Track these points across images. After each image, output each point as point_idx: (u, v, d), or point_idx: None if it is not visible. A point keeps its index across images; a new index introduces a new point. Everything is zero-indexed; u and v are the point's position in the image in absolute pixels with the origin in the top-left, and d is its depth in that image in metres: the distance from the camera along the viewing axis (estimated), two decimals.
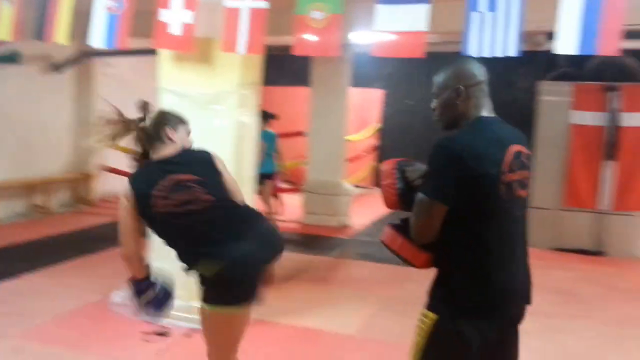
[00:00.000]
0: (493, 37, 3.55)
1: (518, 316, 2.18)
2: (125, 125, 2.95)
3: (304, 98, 9.37)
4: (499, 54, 3.53)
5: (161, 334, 4.22)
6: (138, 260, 2.68)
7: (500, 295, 2.05)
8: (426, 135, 11.18)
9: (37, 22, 4.46)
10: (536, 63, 7.74)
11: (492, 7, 3.54)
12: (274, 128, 7.43)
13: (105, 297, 4.94)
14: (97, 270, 5.89)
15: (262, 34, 3.96)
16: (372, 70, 10.78)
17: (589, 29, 3.36)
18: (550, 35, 3.67)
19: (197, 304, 4.22)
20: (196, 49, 4.14)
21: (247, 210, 2.78)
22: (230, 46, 4.01)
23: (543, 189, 7.13)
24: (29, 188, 8.44)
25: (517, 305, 2.15)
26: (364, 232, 8.31)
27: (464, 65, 2.17)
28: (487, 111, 2.14)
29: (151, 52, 4.62)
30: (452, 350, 2.06)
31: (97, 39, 4.29)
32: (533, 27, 3.80)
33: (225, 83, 4.40)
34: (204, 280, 2.61)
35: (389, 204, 2.26)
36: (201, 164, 2.74)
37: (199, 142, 2.99)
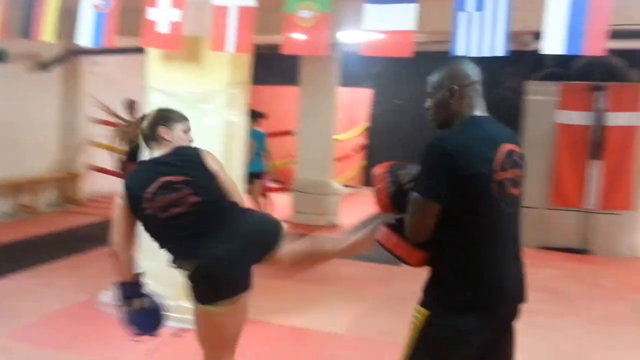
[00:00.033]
0: (481, 36, 3.57)
1: (512, 314, 2.19)
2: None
3: (293, 97, 9.37)
4: (486, 53, 3.56)
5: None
6: (127, 261, 2.66)
7: (493, 293, 2.07)
8: (414, 134, 11.36)
9: (23, 21, 4.43)
10: (523, 63, 7.79)
11: (480, 6, 3.56)
12: (262, 127, 7.43)
13: (93, 297, 4.91)
14: (85, 270, 5.86)
15: (250, 33, 3.96)
16: (360, 70, 10.79)
17: (575, 29, 3.39)
18: (537, 35, 3.70)
19: (186, 303, 4.23)
20: (184, 47, 4.13)
21: (234, 209, 2.71)
22: (218, 45, 4.00)
23: (530, 188, 7.08)
24: (15, 187, 8.37)
25: (510, 304, 2.17)
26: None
27: (458, 66, 2.20)
28: (480, 111, 2.17)
29: (139, 50, 4.60)
30: (443, 342, 2.08)
31: (84, 37, 4.27)
32: (520, 27, 3.82)
33: (213, 82, 4.39)
34: (189, 279, 2.60)
35: (381, 207, 2.28)
36: (192, 163, 2.70)
37: None
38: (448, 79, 2.16)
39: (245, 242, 2.61)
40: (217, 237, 2.56)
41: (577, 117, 7.27)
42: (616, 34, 3.54)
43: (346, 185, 10.29)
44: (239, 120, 4.60)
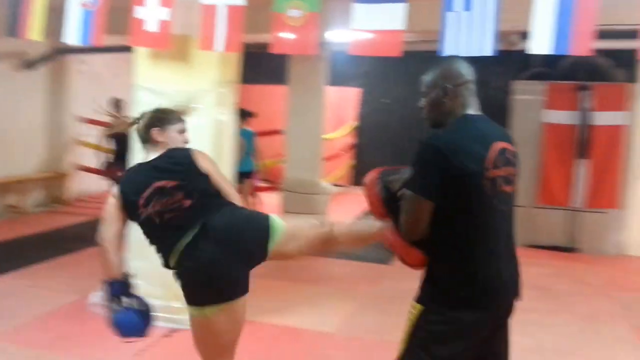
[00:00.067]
0: (469, 36, 3.59)
1: (507, 311, 2.21)
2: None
3: (281, 96, 9.37)
4: (475, 53, 3.57)
5: None
6: (116, 259, 2.61)
7: (488, 291, 2.09)
8: (403, 133, 11.40)
9: (10, 19, 4.41)
10: (510, 62, 7.83)
11: (468, 6, 3.58)
12: (251, 126, 7.42)
13: (82, 298, 4.89)
14: (74, 270, 5.83)
15: (240, 32, 3.96)
16: (348, 69, 10.82)
17: (562, 30, 3.42)
18: (524, 35, 3.73)
19: (176, 303, 4.21)
20: (173, 46, 4.12)
21: (228, 210, 2.65)
22: (207, 44, 4.00)
23: (517, 187, 7.20)
24: (2, 187, 8.30)
25: (505, 300, 2.19)
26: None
27: (452, 65, 2.24)
28: (473, 109, 2.20)
29: (127, 49, 4.58)
30: (437, 337, 2.09)
31: (71, 35, 4.25)
32: (507, 26, 3.85)
33: (202, 81, 4.38)
34: (183, 283, 2.58)
35: (375, 214, 2.31)
36: (183, 166, 2.66)
37: None
38: (441, 78, 2.20)
39: (239, 244, 2.57)
40: (211, 240, 2.52)
41: (563, 117, 7.32)
42: (602, 34, 3.58)
43: (335, 185, 10.31)
44: (228, 119, 4.59)
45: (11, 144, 8.59)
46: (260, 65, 9.44)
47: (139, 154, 4.40)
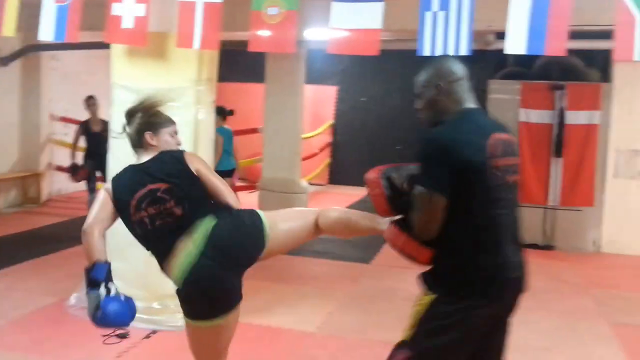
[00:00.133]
0: (445, 36, 3.62)
1: (512, 303, 2.24)
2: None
3: (259, 94, 9.34)
4: (451, 52, 3.61)
5: (121, 336, 4.15)
6: (100, 242, 2.51)
7: (497, 280, 2.12)
8: (379, 131, 11.43)
9: None
10: (486, 62, 7.90)
11: (444, 6, 3.61)
12: (229, 125, 7.38)
13: (61, 300, 4.81)
14: (51, 272, 5.73)
15: (217, 29, 3.94)
16: (325, 67, 10.83)
17: (537, 30, 3.46)
18: (499, 35, 3.77)
19: (156, 305, 4.18)
20: (150, 43, 4.08)
21: (220, 215, 2.59)
22: (185, 41, 3.97)
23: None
24: None
25: (513, 290, 2.21)
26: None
27: (443, 64, 2.28)
28: (469, 104, 2.24)
29: (104, 46, 4.52)
30: (443, 328, 2.10)
31: (46, 32, 4.19)
32: (483, 26, 3.89)
33: (180, 79, 4.33)
34: (179, 295, 2.56)
35: (381, 212, 2.31)
36: (175, 169, 2.62)
37: None
38: (434, 77, 2.24)
39: (239, 259, 2.57)
40: (213, 256, 2.48)
41: (539, 116, 7.40)
42: (576, 35, 3.63)
43: (312, 184, 10.31)
44: (206, 117, 4.56)
45: None
46: (237, 63, 9.41)
47: (117, 155, 4.36)
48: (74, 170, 7.59)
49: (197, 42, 3.95)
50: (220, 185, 2.67)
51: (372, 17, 3.78)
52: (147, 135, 2.70)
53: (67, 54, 9.28)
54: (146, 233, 2.56)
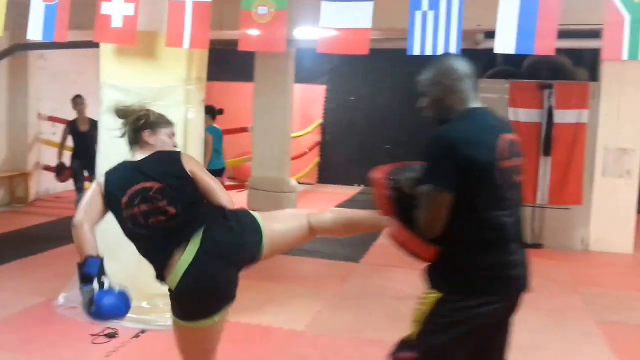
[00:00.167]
0: (435, 35, 3.64)
1: (515, 302, 2.25)
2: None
3: (248, 94, 9.32)
4: (441, 52, 3.62)
5: (110, 336, 4.13)
6: (91, 235, 2.49)
7: (502, 278, 2.14)
8: (368, 131, 11.44)
9: None
10: (475, 61, 7.88)
11: (434, 5, 3.62)
12: (218, 124, 7.36)
13: (49, 300, 4.78)
14: (39, 272, 5.69)
15: (207, 28, 3.93)
16: (314, 66, 10.83)
17: (526, 29, 3.48)
18: (488, 34, 3.79)
19: (145, 304, 4.17)
20: (139, 42, 4.06)
21: (213, 216, 2.60)
22: (174, 41, 3.96)
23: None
24: None
25: (517, 288, 2.23)
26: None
27: (447, 62, 2.27)
28: (475, 103, 2.23)
29: (92, 45, 4.50)
30: (453, 320, 2.11)
31: (35, 31, 4.16)
32: (472, 26, 3.91)
33: (170, 78, 4.31)
34: (171, 295, 2.56)
35: (387, 214, 2.29)
36: (170, 169, 2.61)
37: None
38: (439, 75, 2.22)
39: (239, 260, 2.59)
40: (210, 259, 2.49)
41: (527, 115, 7.43)
42: (565, 34, 3.65)
43: (301, 183, 10.31)
44: (196, 116, 4.55)
45: None
46: (226, 62, 9.38)
47: (107, 154, 4.35)
48: (59, 171, 7.56)
49: (186, 41, 3.94)
50: (214, 186, 2.67)
51: (362, 17, 3.79)
52: (146, 133, 2.70)
53: (56, 53, 9.21)
54: (139, 230, 2.54)
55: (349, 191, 10.96)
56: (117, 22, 3.98)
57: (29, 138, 9.19)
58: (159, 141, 2.72)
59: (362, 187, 11.09)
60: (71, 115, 7.75)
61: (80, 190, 7.22)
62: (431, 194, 2.05)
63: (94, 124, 6.89)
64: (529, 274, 2.27)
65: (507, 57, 7.35)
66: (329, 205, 9.07)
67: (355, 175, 11.23)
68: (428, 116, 2.28)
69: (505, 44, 3.53)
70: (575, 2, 4.84)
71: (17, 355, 3.93)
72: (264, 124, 8.85)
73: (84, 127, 7.38)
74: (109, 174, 2.65)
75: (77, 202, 6.79)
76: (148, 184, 2.55)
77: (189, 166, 2.64)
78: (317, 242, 7.09)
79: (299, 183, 9.82)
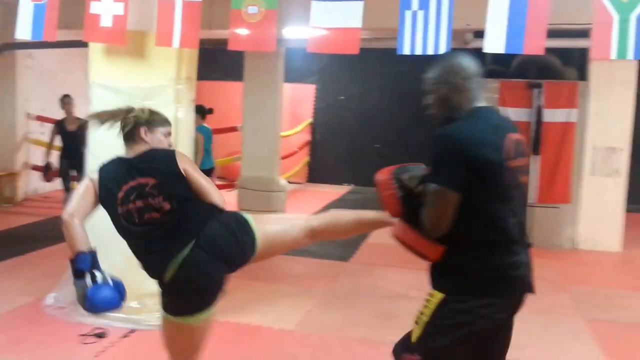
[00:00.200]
0: (425, 34, 3.65)
1: (519, 303, 2.26)
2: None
3: (237, 93, 9.30)
4: (430, 52, 3.63)
5: (99, 336, 4.11)
6: (82, 230, 2.49)
7: (507, 278, 2.15)
8: (358, 130, 11.44)
9: None
10: None
11: (424, 5, 3.63)
12: (208, 123, 7.34)
13: (38, 300, 4.75)
14: (27, 271, 5.65)
15: (197, 28, 3.92)
16: (303, 66, 10.83)
17: (515, 29, 3.50)
18: (477, 33, 3.81)
19: (134, 304, 4.16)
20: (128, 42, 4.05)
21: (207, 215, 2.61)
22: (164, 40, 3.95)
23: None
24: None
25: (521, 289, 2.24)
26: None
27: (455, 60, 2.24)
28: (482, 102, 2.22)
29: (81, 44, 4.47)
30: (457, 320, 2.12)
31: (23, 30, 4.13)
32: (461, 25, 3.92)
33: (159, 77, 4.30)
34: (162, 291, 2.58)
35: (393, 214, 2.28)
36: (165, 166, 2.62)
37: None
38: (447, 73, 2.21)
39: (231, 259, 2.60)
40: (190, 246, 2.50)
41: (516, 114, 7.46)
42: (553, 33, 3.67)
43: (291, 182, 10.30)
44: (186, 116, 4.53)
45: None
46: (216, 62, 9.36)
47: (96, 153, 4.32)
48: (45, 170, 7.52)
49: (176, 40, 3.93)
50: (207, 186, 2.68)
51: (352, 16, 3.79)
52: (142, 130, 2.70)
53: (44, 52, 9.15)
54: (133, 226, 2.54)
55: (339, 190, 10.97)
56: (106, 22, 3.96)
57: (17, 137, 9.12)
58: (155, 139, 2.72)
59: (351, 186, 11.11)
60: (59, 114, 7.70)
61: (68, 189, 7.17)
62: (438, 193, 2.04)
63: (82, 123, 6.84)
64: (532, 275, 2.27)
65: (496, 57, 7.37)
66: (318, 204, 9.08)
67: (345, 174, 11.25)
68: (433, 114, 2.27)
69: (494, 43, 3.55)
70: (564, 1, 4.86)
71: (5, 355, 3.90)
72: (254, 123, 8.83)
73: (71, 127, 7.33)
74: (102, 170, 2.65)
75: (65, 201, 6.75)
76: (143, 180, 2.55)
77: (183, 165, 2.64)
78: None
79: (289, 182, 9.81)
